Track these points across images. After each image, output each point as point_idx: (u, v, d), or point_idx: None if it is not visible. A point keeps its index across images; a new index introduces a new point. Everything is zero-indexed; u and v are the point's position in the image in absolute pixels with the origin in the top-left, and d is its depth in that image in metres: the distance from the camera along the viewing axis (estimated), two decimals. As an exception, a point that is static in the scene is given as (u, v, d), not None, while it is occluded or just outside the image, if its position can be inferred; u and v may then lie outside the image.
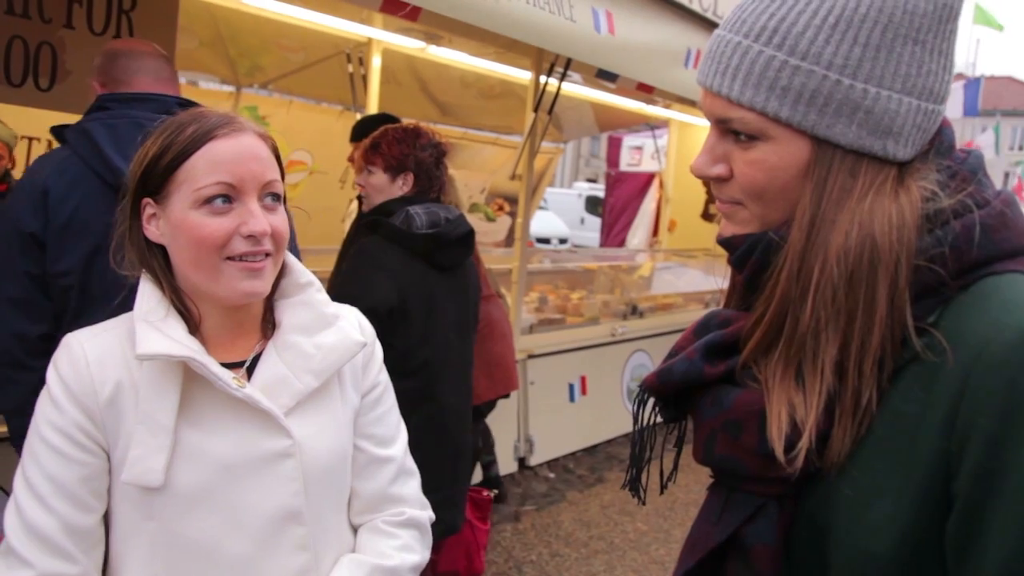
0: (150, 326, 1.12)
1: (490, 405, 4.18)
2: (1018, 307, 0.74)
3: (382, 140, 2.53)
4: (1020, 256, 0.80)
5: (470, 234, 2.55)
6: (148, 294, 1.16)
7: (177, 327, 1.13)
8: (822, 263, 0.79)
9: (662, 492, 1.02)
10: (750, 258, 0.87)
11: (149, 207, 1.16)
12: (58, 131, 1.94)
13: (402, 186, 2.50)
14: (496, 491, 3.14)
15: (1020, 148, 43.60)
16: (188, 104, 1.92)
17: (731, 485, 0.87)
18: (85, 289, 1.80)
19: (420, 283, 2.41)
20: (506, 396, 4.25)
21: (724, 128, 0.86)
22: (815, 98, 0.80)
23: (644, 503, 1.02)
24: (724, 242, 0.90)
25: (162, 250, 1.18)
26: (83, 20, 2.81)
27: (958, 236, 0.78)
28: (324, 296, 1.28)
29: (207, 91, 6.09)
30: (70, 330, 1.76)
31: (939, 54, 0.82)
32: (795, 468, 0.78)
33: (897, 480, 0.76)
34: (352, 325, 1.30)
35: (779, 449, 0.78)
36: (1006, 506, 0.69)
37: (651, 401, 0.96)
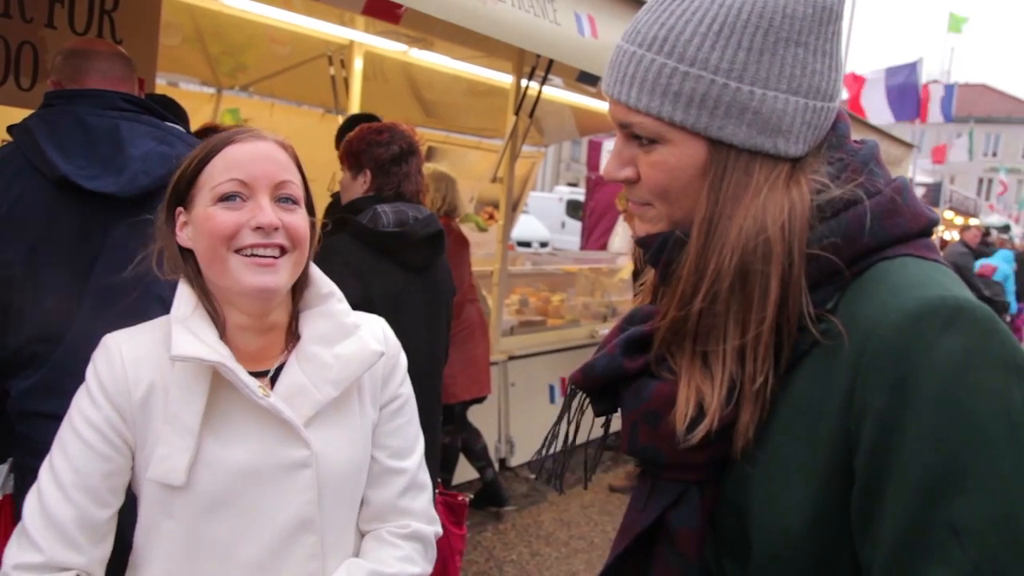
0: (186, 329, 1.16)
1: (464, 406, 4.20)
2: (903, 289, 0.78)
3: (349, 139, 2.54)
4: (911, 240, 0.85)
5: (439, 234, 2.54)
6: (185, 298, 1.21)
7: (209, 332, 1.17)
8: (718, 258, 0.83)
9: (586, 486, 1.06)
10: (661, 256, 0.91)
11: (182, 215, 1.22)
12: (10, 129, 1.97)
13: (363, 184, 2.50)
14: (470, 497, 3.11)
15: (994, 155, 44.30)
16: (134, 100, 1.95)
17: (655, 473, 0.91)
18: (26, 280, 1.82)
19: (386, 282, 2.40)
20: (481, 400, 4.26)
21: (627, 133, 0.91)
22: (705, 101, 0.84)
23: (562, 492, 1.08)
24: (639, 241, 0.95)
25: (194, 256, 1.22)
26: (64, 20, 2.80)
27: (849, 224, 0.82)
28: (345, 306, 1.31)
29: (187, 92, 6.03)
30: (17, 322, 1.77)
31: (823, 54, 0.86)
32: (690, 445, 0.82)
33: (805, 460, 0.80)
34: (374, 335, 1.32)
35: (680, 428, 0.83)
36: (898, 479, 0.73)
37: (580, 395, 1.00)
